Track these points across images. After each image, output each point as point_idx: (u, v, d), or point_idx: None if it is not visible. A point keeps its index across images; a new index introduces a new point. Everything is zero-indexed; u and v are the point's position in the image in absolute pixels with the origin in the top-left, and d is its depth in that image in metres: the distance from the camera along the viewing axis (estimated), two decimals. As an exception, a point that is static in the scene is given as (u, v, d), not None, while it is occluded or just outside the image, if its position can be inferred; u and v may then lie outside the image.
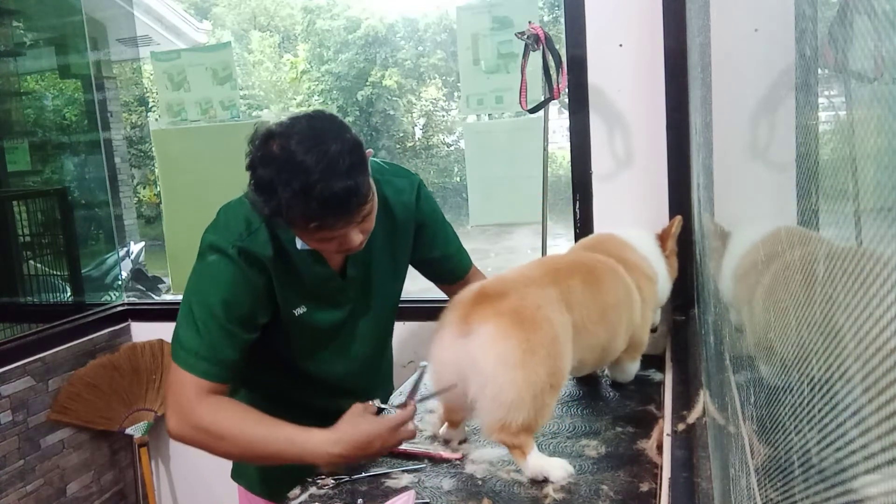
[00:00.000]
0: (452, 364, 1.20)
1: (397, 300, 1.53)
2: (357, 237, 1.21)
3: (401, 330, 2.20)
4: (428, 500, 1.15)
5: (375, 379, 1.55)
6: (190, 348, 1.25)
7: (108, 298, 2.78)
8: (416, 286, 1.61)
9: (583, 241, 1.65)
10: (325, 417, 1.26)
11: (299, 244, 1.27)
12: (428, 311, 1.88)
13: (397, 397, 1.45)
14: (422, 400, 1.27)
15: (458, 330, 1.19)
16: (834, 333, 0.41)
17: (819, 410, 0.43)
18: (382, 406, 1.27)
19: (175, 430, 1.27)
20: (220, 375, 1.26)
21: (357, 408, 1.24)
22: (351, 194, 1.12)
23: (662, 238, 1.61)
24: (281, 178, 1.10)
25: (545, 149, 1.94)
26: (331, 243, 1.21)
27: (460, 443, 1.34)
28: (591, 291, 1.32)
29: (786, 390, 0.54)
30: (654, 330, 1.69)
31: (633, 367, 1.57)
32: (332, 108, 11.54)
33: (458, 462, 1.28)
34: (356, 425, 1.21)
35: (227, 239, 1.26)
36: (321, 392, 1.45)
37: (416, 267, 1.54)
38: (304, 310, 1.34)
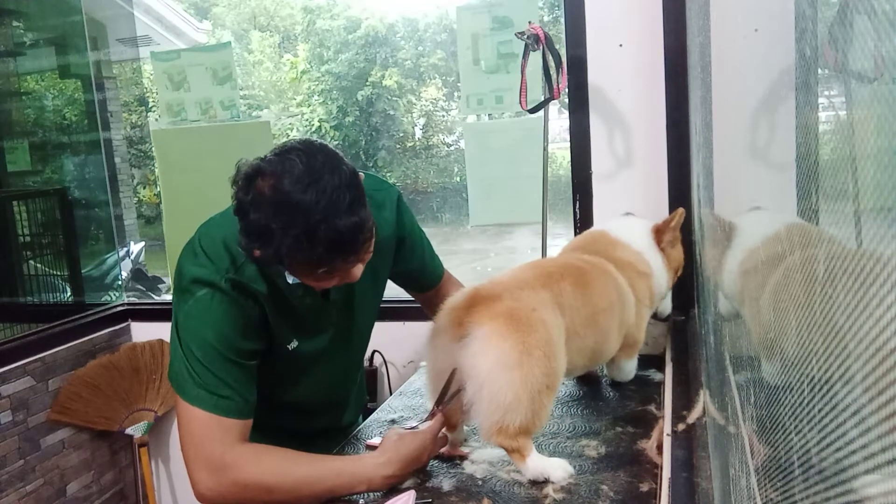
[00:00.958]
0: (448, 368, 1.20)
1: (376, 316, 1.49)
2: (359, 270, 1.15)
3: (401, 330, 2.20)
4: (428, 500, 1.15)
5: (351, 393, 1.53)
6: (208, 388, 1.13)
7: (108, 298, 2.78)
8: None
9: (575, 240, 1.63)
10: (302, 438, 1.24)
11: (290, 279, 1.16)
12: (428, 311, 1.88)
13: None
14: (443, 407, 1.26)
15: (452, 333, 1.19)
16: (835, 333, 0.41)
17: (819, 410, 0.43)
18: (406, 427, 1.29)
19: (212, 490, 1.11)
20: (244, 412, 1.16)
21: (393, 431, 1.24)
22: (357, 232, 1.04)
23: (659, 230, 1.55)
24: (278, 222, 1.00)
25: (545, 149, 1.94)
26: (331, 280, 1.14)
27: (459, 444, 1.34)
28: (581, 295, 1.32)
29: (786, 390, 0.54)
30: (665, 318, 1.68)
31: (630, 366, 1.56)
32: (332, 108, 11.53)
33: (458, 462, 1.28)
34: (401, 444, 1.19)
35: (214, 272, 1.16)
36: (298, 415, 1.41)
37: (393, 279, 1.50)
38: (297, 343, 1.28)
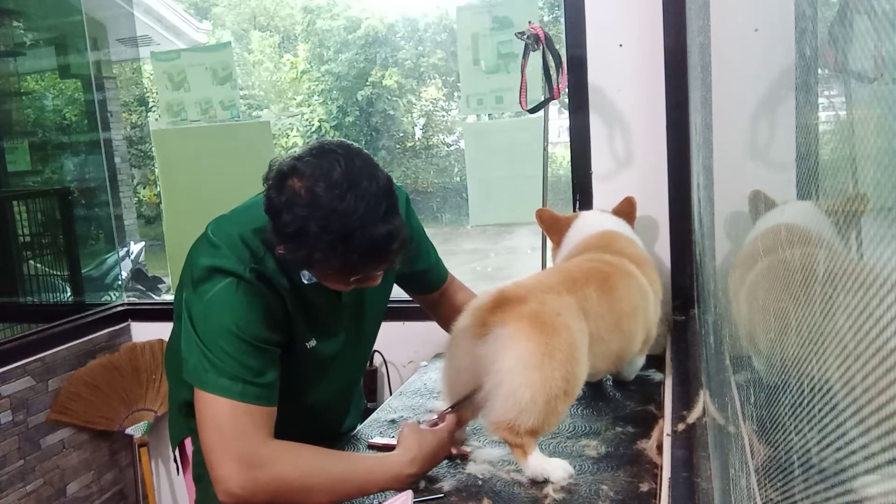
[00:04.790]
0: (468, 366, 1.20)
1: (382, 318, 1.49)
2: (380, 276, 1.15)
3: (401, 330, 2.20)
4: (428, 500, 1.15)
5: (353, 398, 1.53)
6: (232, 376, 1.08)
7: (108, 298, 2.78)
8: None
9: (587, 239, 1.58)
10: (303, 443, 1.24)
11: (305, 278, 1.15)
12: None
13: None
14: (452, 409, 1.26)
15: (475, 332, 1.19)
16: (834, 335, 0.41)
17: (819, 411, 0.43)
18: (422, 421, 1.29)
19: (244, 488, 1.03)
20: (271, 398, 1.12)
21: (410, 425, 1.24)
22: (392, 240, 1.04)
23: (627, 216, 1.66)
24: (314, 226, 1.00)
25: (545, 149, 1.94)
26: (351, 283, 1.13)
27: (461, 443, 1.34)
28: (606, 300, 1.32)
29: (785, 390, 0.54)
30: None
31: (641, 361, 1.60)
32: (332, 108, 11.53)
33: (459, 462, 1.28)
34: (423, 443, 1.19)
35: (237, 262, 1.13)
36: (303, 420, 1.37)
37: (399, 282, 1.50)
38: (315, 343, 1.27)
